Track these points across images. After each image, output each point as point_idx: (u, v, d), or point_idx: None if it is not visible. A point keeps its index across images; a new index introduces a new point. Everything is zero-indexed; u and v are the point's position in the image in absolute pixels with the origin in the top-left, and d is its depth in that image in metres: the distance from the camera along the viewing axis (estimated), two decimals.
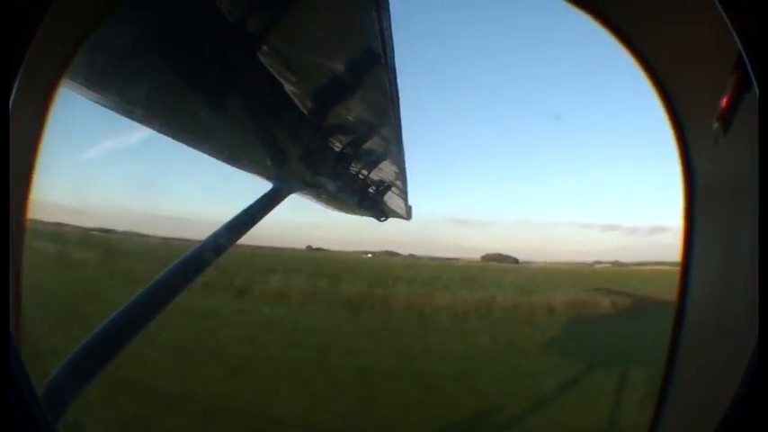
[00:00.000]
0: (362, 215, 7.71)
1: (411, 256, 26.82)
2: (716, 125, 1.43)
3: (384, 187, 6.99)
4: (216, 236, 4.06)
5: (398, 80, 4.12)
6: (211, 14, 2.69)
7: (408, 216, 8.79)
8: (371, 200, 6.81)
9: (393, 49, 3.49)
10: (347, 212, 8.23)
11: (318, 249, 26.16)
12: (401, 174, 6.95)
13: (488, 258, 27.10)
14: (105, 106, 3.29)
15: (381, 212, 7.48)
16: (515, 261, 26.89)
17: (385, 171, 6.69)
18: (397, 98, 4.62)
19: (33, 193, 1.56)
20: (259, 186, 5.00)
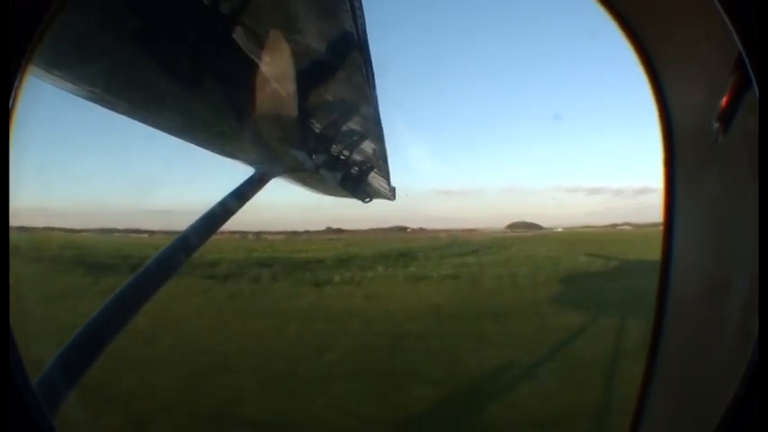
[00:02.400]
0: (346, 197, 7.71)
1: (421, 229, 27.05)
2: (716, 125, 1.41)
3: (367, 168, 7.00)
4: (199, 223, 4.05)
5: (377, 59, 4.14)
6: None
7: (393, 197, 8.82)
8: (355, 181, 6.82)
9: (365, 28, 3.49)
10: (331, 195, 8.22)
11: (338, 230, 26.16)
12: (382, 154, 6.96)
13: (514, 226, 27.73)
14: (76, 94, 3.22)
15: (365, 194, 7.50)
16: (540, 228, 27.66)
17: (367, 152, 6.69)
18: (373, 78, 4.63)
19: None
20: (241, 172, 4.99)
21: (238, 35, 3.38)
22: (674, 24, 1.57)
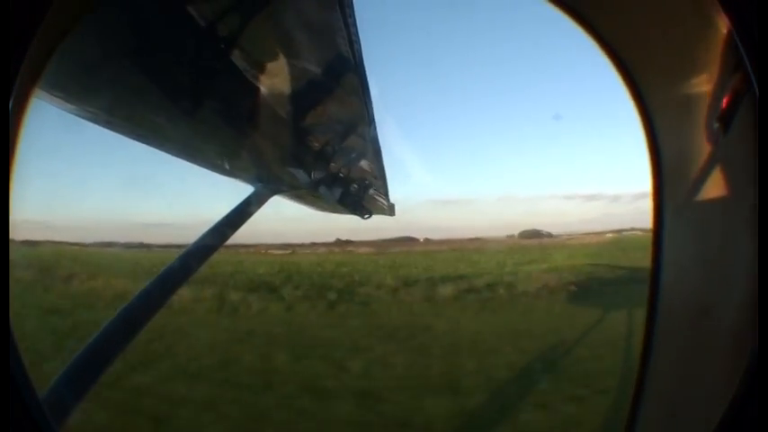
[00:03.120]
0: (345, 213, 7.79)
1: (427, 240, 26.74)
2: (716, 125, 1.42)
3: (365, 184, 7.09)
4: (203, 239, 4.11)
5: (371, 70, 4.23)
6: (183, 19, 2.74)
7: (392, 212, 8.90)
8: (354, 197, 6.90)
9: (360, 45, 3.60)
10: (330, 212, 8.31)
11: (347, 242, 25.61)
12: (380, 171, 7.06)
13: (525, 236, 27.53)
14: (77, 115, 3.32)
15: (365, 210, 7.57)
16: (550, 236, 27.41)
17: (365, 169, 6.79)
18: (370, 98, 4.74)
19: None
20: (241, 190, 5.07)
21: (236, 57, 3.49)
22: (648, 33, 1.59)
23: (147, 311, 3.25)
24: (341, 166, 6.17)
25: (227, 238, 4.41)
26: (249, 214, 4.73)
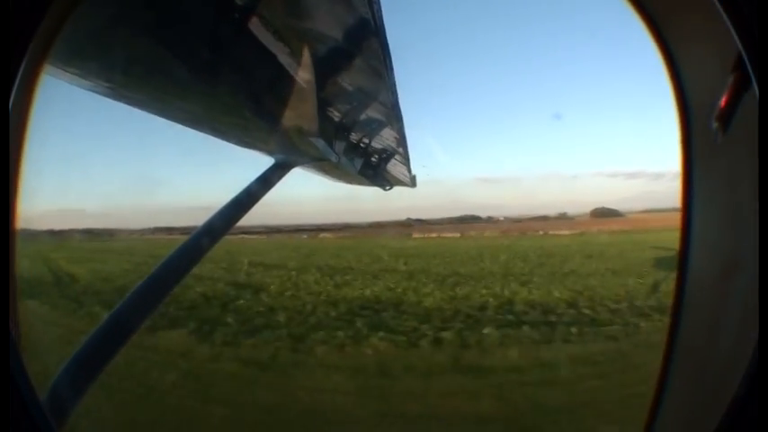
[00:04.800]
0: (366, 185, 7.68)
1: (489, 218, 26.47)
2: (715, 125, 1.42)
3: (387, 155, 6.93)
4: (219, 215, 4.07)
5: (398, 46, 4.05)
6: None
7: (413, 184, 8.73)
8: (375, 168, 6.77)
9: (382, 14, 3.41)
10: (351, 183, 8.20)
11: (418, 220, 25.04)
12: (402, 142, 6.88)
13: (596, 214, 27.42)
14: (93, 90, 3.24)
15: (386, 181, 7.45)
16: (620, 214, 27.14)
17: (386, 139, 6.62)
18: (391, 64, 4.54)
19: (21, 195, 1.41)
20: (261, 162, 5.00)
21: (254, 26, 3.34)
22: (687, 3, 1.51)
23: (155, 299, 3.23)
24: (362, 136, 6.02)
25: (246, 210, 4.37)
26: (269, 186, 4.68)
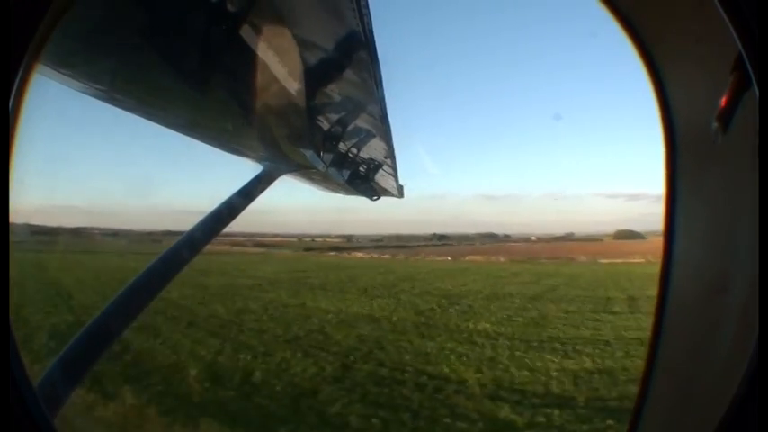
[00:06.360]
0: (354, 195, 7.70)
1: (506, 236, 26.22)
2: (715, 125, 1.41)
3: (375, 166, 6.98)
4: (203, 223, 4.06)
5: (384, 58, 4.10)
6: None
7: (400, 195, 8.78)
8: (363, 178, 6.81)
9: (372, 26, 3.47)
10: (338, 193, 8.22)
11: (443, 236, 24.99)
12: (390, 153, 6.93)
13: (620, 236, 27.54)
14: (83, 92, 3.24)
15: (373, 191, 7.48)
16: (642, 236, 27.14)
17: (374, 150, 6.67)
18: (380, 76, 4.59)
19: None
20: (249, 170, 5.00)
21: (245, 33, 3.38)
22: (674, 22, 1.56)
23: (144, 297, 3.22)
24: (350, 147, 6.07)
25: (231, 219, 4.36)
26: (255, 195, 4.68)
